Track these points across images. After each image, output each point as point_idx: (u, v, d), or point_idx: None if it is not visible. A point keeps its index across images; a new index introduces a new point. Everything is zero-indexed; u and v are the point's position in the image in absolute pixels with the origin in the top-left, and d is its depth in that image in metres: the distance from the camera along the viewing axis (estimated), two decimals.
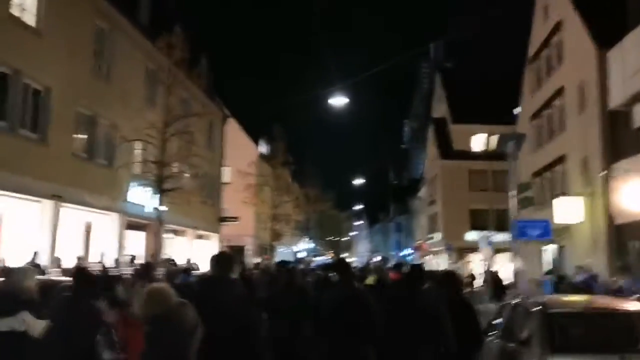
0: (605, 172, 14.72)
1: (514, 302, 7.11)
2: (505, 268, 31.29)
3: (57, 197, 15.98)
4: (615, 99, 15.16)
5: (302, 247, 63.39)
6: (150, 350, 2.65)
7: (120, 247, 20.02)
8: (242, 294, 4.69)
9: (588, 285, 9.24)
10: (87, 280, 4.77)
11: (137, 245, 22.21)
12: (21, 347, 4.22)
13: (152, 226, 22.92)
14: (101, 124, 17.79)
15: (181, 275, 12.55)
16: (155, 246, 22.53)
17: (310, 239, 65.08)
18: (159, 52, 17.66)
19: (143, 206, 20.53)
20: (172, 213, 23.39)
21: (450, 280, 6.31)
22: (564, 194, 23.56)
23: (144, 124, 16.22)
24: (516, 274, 28.74)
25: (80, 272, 5.00)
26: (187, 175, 18.03)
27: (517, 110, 33.56)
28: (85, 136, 17.74)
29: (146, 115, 16.28)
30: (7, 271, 5.43)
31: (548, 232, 17.19)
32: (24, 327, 4.25)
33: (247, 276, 10.35)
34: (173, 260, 15.41)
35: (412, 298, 5.19)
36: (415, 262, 28.09)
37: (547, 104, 26.67)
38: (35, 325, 4.25)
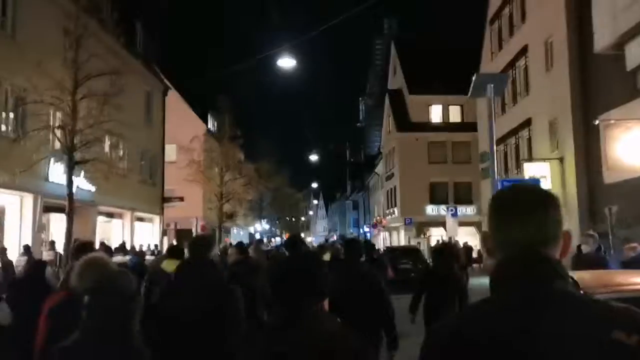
0: (598, 121, 13.03)
1: None
2: (469, 241, 30.08)
3: None
4: (603, 40, 13.50)
5: (258, 229, 61.31)
6: (90, 322, 2.39)
7: (38, 232, 17.41)
8: (217, 276, 4.51)
9: (601, 258, 7.37)
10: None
11: (61, 230, 19.61)
12: None
13: (80, 208, 20.36)
14: (5, 89, 15.01)
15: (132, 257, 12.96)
16: (80, 231, 20.06)
17: (265, 220, 62.94)
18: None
19: (65, 185, 17.89)
20: (103, 193, 20.87)
21: (448, 254, 6.33)
22: (530, 159, 22.08)
23: (53, 85, 13.56)
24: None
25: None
26: (102, 143, 15.32)
27: None
28: None
29: (56, 75, 13.62)
30: None
31: None
32: None
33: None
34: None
35: (354, 270, 5.19)
36: (353, 237, 27.00)
37: (510, 65, 25.07)
38: None
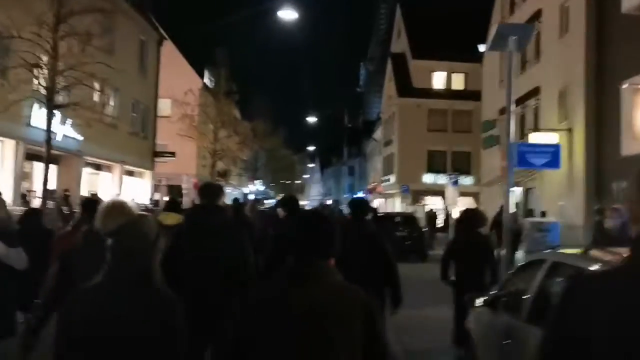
0: (626, 85, 12.17)
1: (551, 261, 4.27)
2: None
3: None
4: (630, 0, 12.58)
5: (251, 189, 60.63)
6: (113, 263, 2.46)
7: (19, 180, 16.59)
8: (230, 219, 5.15)
9: (625, 234, 6.61)
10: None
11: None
12: None
13: (66, 158, 19.57)
14: None
15: None
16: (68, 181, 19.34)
17: (259, 181, 62.24)
18: None
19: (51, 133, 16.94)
20: (90, 142, 20.01)
21: (471, 218, 6.29)
22: (536, 129, 21.26)
23: (34, 20, 12.54)
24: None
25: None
26: (87, 87, 14.28)
27: (484, 47, 30.67)
28: None
29: (37, 9, 12.56)
30: None
31: (557, 160, 14.52)
32: None
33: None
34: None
35: (358, 227, 5.31)
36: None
37: None
38: (9, 254, 4.21)
